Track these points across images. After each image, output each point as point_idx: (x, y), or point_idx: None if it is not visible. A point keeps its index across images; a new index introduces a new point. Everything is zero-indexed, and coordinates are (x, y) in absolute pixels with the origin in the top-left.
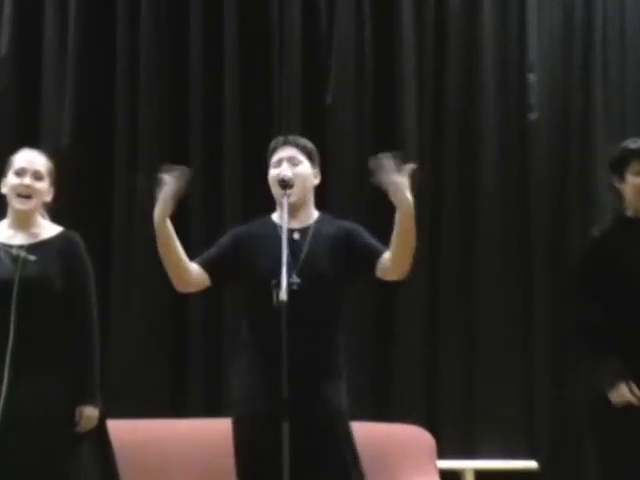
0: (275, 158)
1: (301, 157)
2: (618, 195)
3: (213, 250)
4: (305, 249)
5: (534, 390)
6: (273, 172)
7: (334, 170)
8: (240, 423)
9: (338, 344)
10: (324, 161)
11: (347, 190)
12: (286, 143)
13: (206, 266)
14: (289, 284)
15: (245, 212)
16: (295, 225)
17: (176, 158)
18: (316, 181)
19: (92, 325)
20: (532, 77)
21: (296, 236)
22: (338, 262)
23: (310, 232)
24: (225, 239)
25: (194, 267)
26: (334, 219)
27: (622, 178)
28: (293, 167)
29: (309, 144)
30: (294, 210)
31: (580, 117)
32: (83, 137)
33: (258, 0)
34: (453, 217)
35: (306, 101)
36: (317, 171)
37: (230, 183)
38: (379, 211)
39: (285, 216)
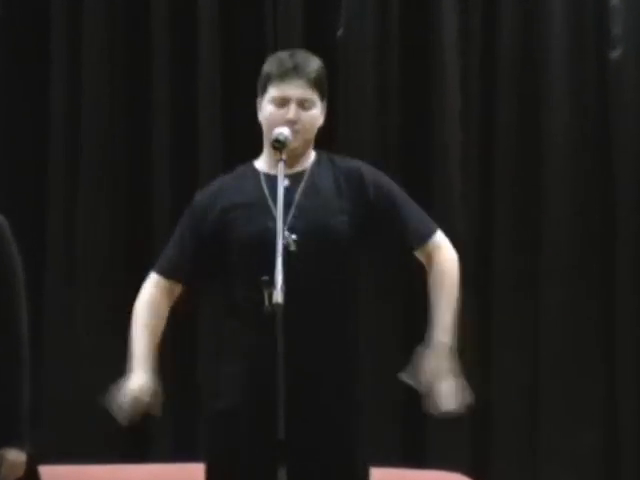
0: (278, 92)
1: (314, 96)
2: None
3: (173, 250)
4: (298, 193)
5: (616, 436)
6: (271, 110)
7: (346, 125)
8: (217, 471)
9: (353, 342)
10: (332, 114)
11: (363, 151)
12: (296, 73)
13: (172, 276)
14: (284, 247)
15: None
16: (286, 171)
17: (137, 113)
18: (322, 120)
19: (19, 341)
20: (615, 53)
21: (286, 182)
22: (346, 212)
23: (305, 176)
24: (183, 224)
25: (156, 297)
26: (336, 157)
27: None
28: (303, 111)
29: (321, 71)
30: (291, 158)
31: None
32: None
33: None
34: (508, 196)
35: (309, 33)
36: (323, 109)
37: (206, 133)
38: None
39: (281, 189)
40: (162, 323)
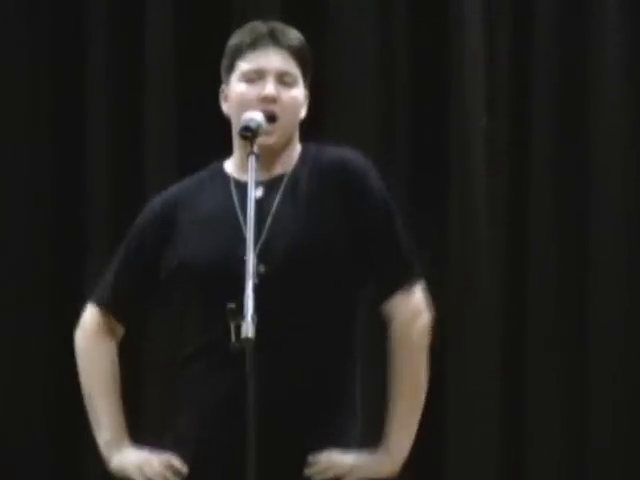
0: (251, 65)
1: (296, 71)
2: None
3: (116, 276)
4: (272, 210)
5: None
6: (242, 88)
7: (340, 106)
8: None
9: (345, 387)
10: (321, 92)
11: (362, 139)
12: (275, 41)
13: (115, 309)
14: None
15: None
16: (260, 176)
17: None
18: (304, 111)
19: None
20: None
21: (258, 193)
22: (329, 218)
23: (283, 183)
24: (130, 242)
25: (98, 331)
26: (323, 148)
27: None
28: (283, 88)
29: (303, 42)
30: (269, 157)
31: None
32: None
33: None
34: (542, 209)
35: None
36: (306, 91)
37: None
38: (409, 171)
39: (252, 185)
40: (116, 365)
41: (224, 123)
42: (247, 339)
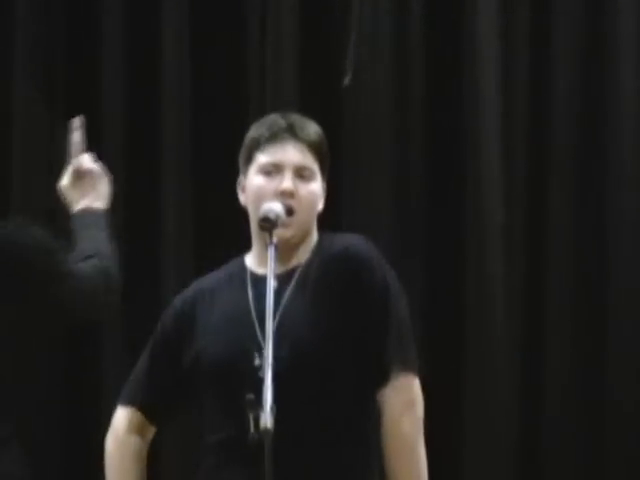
0: (269, 159)
1: (314, 165)
2: None
3: (145, 377)
4: (280, 309)
5: None
6: (260, 181)
7: (353, 179)
8: None
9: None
10: (337, 167)
11: (372, 228)
12: (293, 135)
13: (147, 413)
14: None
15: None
16: (276, 269)
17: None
18: (322, 204)
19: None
20: None
21: (275, 284)
22: (337, 318)
23: (296, 275)
24: (156, 342)
25: (128, 439)
26: (334, 237)
27: None
28: (301, 182)
29: (322, 135)
30: (286, 249)
31: None
32: None
33: None
34: (564, 261)
35: (308, 83)
36: (324, 183)
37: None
38: (419, 260)
39: (271, 275)
40: (144, 468)
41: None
42: (266, 430)
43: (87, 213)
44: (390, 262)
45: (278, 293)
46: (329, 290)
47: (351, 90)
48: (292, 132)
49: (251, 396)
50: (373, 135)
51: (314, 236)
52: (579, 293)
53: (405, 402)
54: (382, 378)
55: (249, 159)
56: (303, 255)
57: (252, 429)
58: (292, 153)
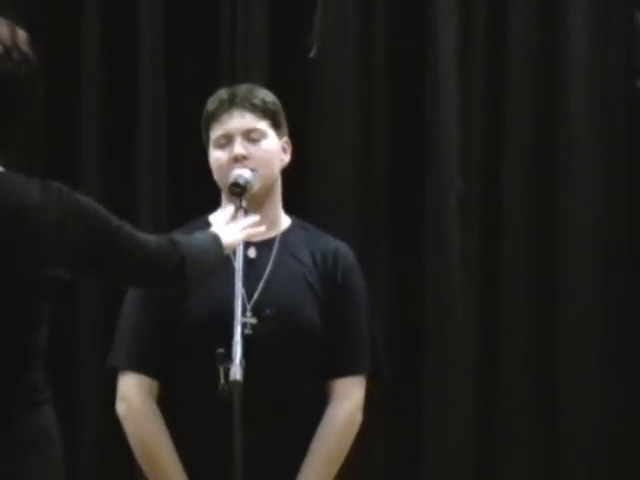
0: (219, 132)
1: (262, 126)
2: None
3: (136, 338)
4: (267, 272)
5: None
6: (217, 155)
7: (320, 164)
8: None
9: (311, 409)
10: (305, 147)
11: (338, 193)
12: (234, 105)
13: (152, 369)
14: (242, 325)
15: (171, 214)
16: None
17: (63, 136)
18: (286, 158)
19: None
20: None
21: (252, 253)
22: (315, 298)
23: (275, 246)
24: (146, 306)
25: (147, 400)
26: (316, 231)
27: None
28: (251, 145)
29: (270, 99)
30: (254, 206)
31: None
32: None
33: None
34: (520, 238)
35: (276, 51)
36: (286, 140)
37: (148, 170)
38: (383, 227)
39: (241, 255)
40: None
41: None
42: (235, 382)
43: (211, 233)
44: (357, 224)
45: (259, 261)
46: (314, 278)
47: (317, 61)
48: (233, 102)
49: (221, 350)
50: (338, 104)
51: (281, 205)
52: (533, 260)
53: (352, 396)
54: (342, 368)
55: (207, 138)
56: (277, 226)
57: (222, 380)
58: (237, 120)
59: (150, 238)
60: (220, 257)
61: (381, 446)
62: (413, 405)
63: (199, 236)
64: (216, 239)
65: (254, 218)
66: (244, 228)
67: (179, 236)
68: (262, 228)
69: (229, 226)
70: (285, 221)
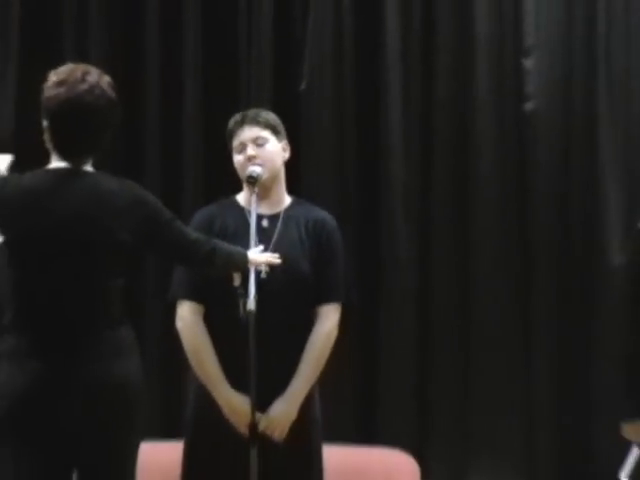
0: (237, 142)
1: (265, 134)
2: None
3: (185, 276)
4: (274, 237)
5: (534, 421)
6: (238, 158)
7: (309, 164)
8: (196, 446)
9: (303, 343)
10: (297, 154)
11: (324, 187)
12: (245, 122)
13: (200, 298)
14: (256, 272)
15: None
16: (265, 211)
17: (129, 147)
18: (286, 155)
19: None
20: (529, 63)
21: (265, 223)
22: (309, 254)
23: (280, 218)
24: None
25: (197, 320)
26: (309, 206)
27: None
28: (259, 148)
29: (271, 117)
30: (264, 191)
31: (582, 106)
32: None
33: None
34: (445, 212)
35: (278, 86)
36: (285, 143)
37: (190, 169)
38: (358, 212)
39: (254, 217)
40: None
41: None
42: (250, 311)
43: (242, 250)
44: (334, 200)
45: (270, 229)
46: (309, 240)
47: (306, 92)
48: (245, 121)
49: (240, 288)
50: (321, 120)
51: (284, 187)
52: (460, 211)
53: (327, 325)
54: (322, 299)
55: (230, 147)
56: (282, 204)
57: (241, 310)
58: (247, 132)
59: (193, 232)
60: (243, 262)
61: (349, 353)
62: (371, 324)
63: (233, 247)
64: (244, 253)
65: (276, 258)
66: (266, 258)
67: (217, 240)
68: (278, 261)
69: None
70: (287, 200)
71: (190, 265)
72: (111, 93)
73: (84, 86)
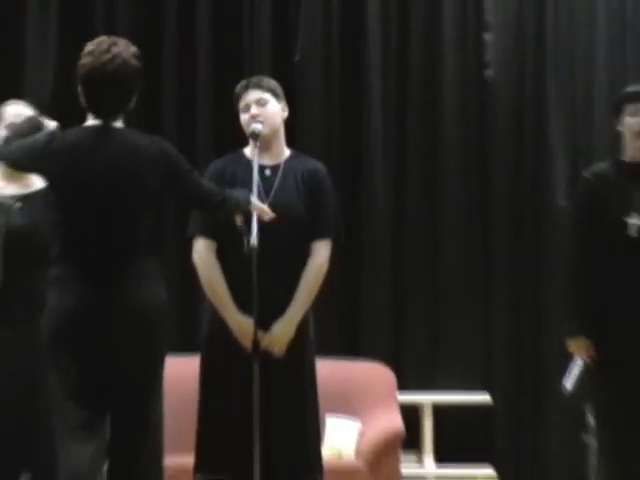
0: (242, 103)
1: (266, 96)
2: (618, 140)
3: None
4: (275, 185)
5: (491, 332)
6: (244, 116)
7: (304, 121)
8: (210, 360)
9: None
10: (294, 114)
11: (315, 143)
12: (250, 87)
13: (213, 236)
14: (258, 217)
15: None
16: (267, 162)
17: (151, 107)
18: (284, 114)
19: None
20: (488, 36)
21: (267, 172)
22: (307, 199)
23: (281, 169)
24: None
25: (210, 254)
26: (304, 157)
27: (620, 121)
28: (261, 107)
29: (272, 82)
30: (266, 144)
31: (533, 73)
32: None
33: None
34: (416, 167)
35: (276, 57)
36: (284, 104)
37: (203, 126)
38: (344, 163)
39: (256, 167)
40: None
41: None
42: (253, 246)
43: (249, 195)
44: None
45: (272, 177)
46: (304, 186)
47: (300, 62)
48: (249, 85)
49: (244, 227)
50: (313, 86)
51: (283, 142)
52: (430, 161)
53: (322, 258)
54: (315, 236)
55: (237, 107)
56: (281, 156)
57: (245, 245)
58: (251, 94)
59: (207, 183)
60: (247, 207)
61: (336, 282)
62: (354, 257)
63: (240, 192)
64: (248, 200)
65: (270, 212)
66: (265, 208)
67: (227, 190)
68: (272, 214)
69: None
70: (287, 152)
71: (204, 211)
72: (134, 62)
73: (108, 56)
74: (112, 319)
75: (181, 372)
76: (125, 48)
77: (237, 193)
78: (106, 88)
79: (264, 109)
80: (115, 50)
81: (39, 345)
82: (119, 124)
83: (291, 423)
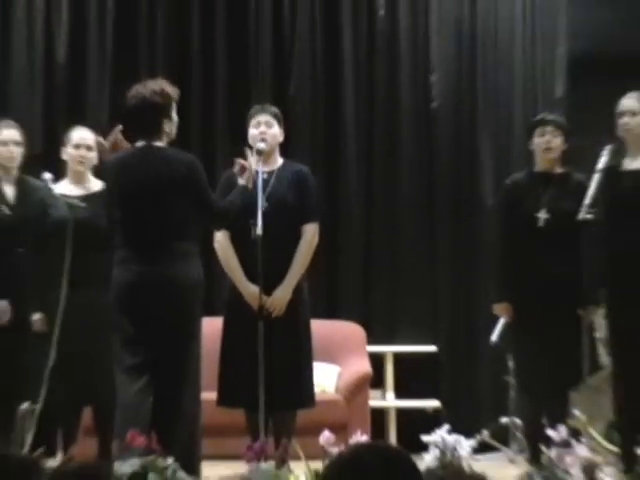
0: (254, 121)
1: (273, 121)
2: (531, 155)
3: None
4: (271, 183)
5: (437, 299)
6: (253, 131)
7: (294, 142)
8: (229, 320)
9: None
10: (287, 134)
11: (303, 155)
12: (263, 111)
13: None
14: (262, 207)
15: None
16: (265, 168)
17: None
18: (281, 138)
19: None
20: (433, 77)
21: (265, 176)
22: (296, 194)
23: (275, 173)
24: (225, 187)
25: (226, 240)
26: (293, 163)
27: (531, 141)
28: (268, 128)
29: (277, 111)
30: (266, 156)
31: (468, 104)
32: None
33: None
34: (380, 176)
35: (276, 91)
36: (282, 130)
37: (221, 142)
38: (327, 166)
39: (260, 176)
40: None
41: None
42: (258, 235)
43: (240, 187)
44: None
45: (268, 179)
46: (293, 186)
47: (294, 96)
48: (262, 110)
49: (253, 221)
50: (304, 113)
51: (278, 154)
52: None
53: (311, 235)
54: (305, 220)
55: (249, 123)
56: (276, 163)
57: (252, 233)
58: (262, 116)
59: (213, 196)
60: (245, 192)
61: (320, 260)
62: (332, 235)
63: (234, 196)
64: (241, 189)
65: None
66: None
67: (226, 201)
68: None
69: (248, 170)
70: (280, 161)
71: (213, 224)
72: (155, 98)
73: (133, 94)
74: (158, 290)
75: (205, 329)
76: (146, 88)
77: (230, 198)
78: (135, 118)
79: (269, 129)
80: (140, 90)
81: (104, 308)
82: (160, 143)
83: (289, 365)
